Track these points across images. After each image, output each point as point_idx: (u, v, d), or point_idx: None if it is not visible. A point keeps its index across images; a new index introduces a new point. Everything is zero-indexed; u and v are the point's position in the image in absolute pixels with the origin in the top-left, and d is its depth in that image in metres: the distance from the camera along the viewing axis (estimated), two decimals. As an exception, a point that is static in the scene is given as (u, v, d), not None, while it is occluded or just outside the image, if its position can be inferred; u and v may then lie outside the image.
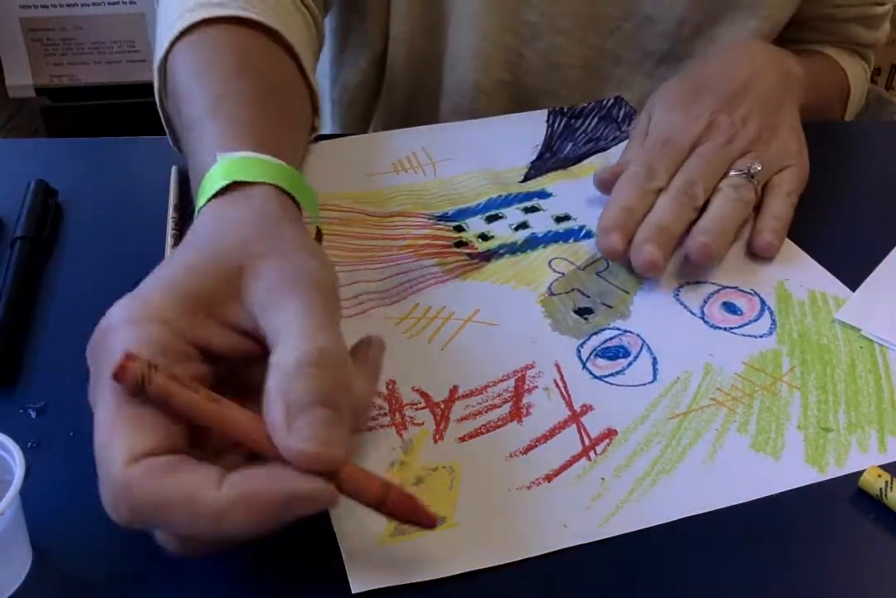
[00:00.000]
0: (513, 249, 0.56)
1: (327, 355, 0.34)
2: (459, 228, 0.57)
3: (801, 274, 0.54)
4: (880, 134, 0.73)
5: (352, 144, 0.66)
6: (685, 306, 0.52)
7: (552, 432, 0.44)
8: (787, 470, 0.42)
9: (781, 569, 0.39)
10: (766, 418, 0.45)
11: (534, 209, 0.59)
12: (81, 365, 0.47)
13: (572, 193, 0.61)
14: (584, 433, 0.44)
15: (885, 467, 0.42)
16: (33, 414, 0.44)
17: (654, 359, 0.48)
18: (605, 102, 0.71)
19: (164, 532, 0.34)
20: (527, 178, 0.62)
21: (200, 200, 0.43)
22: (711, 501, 0.41)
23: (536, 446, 0.43)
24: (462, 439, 0.43)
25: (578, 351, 0.49)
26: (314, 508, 0.33)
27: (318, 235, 0.49)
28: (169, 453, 0.33)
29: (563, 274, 0.54)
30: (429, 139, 0.66)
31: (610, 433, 0.44)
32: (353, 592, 0.36)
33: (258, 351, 0.37)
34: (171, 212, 0.56)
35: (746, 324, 0.51)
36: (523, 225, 0.58)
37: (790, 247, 0.56)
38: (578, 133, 0.67)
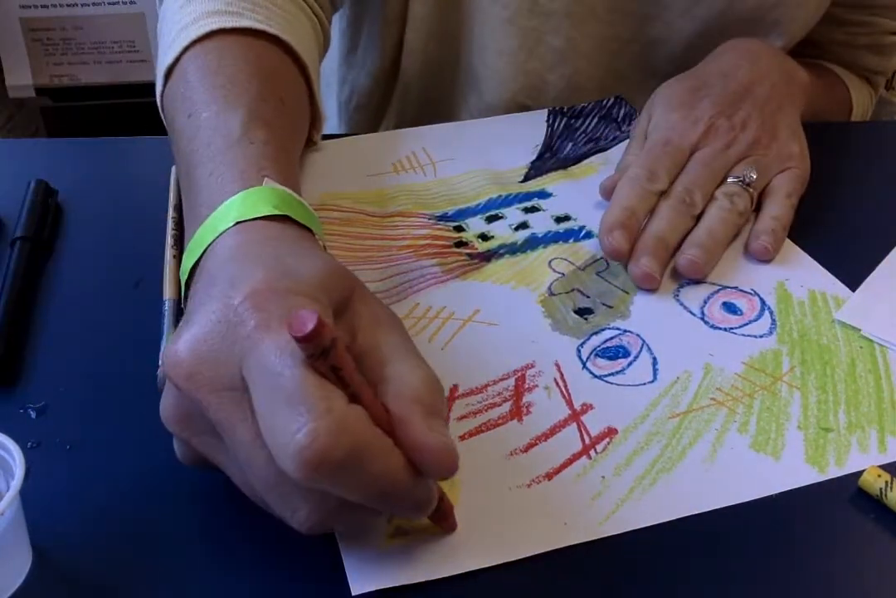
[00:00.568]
0: (513, 249, 0.56)
1: (438, 380, 0.37)
2: (459, 229, 0.57)
3: (801, 274, 0.54)
4: (880, 134, 0.73)
5: (352, 144, 0.66)
6: (685, 307, 0.52)
7: (552, 431, 0.44)
8: (787, 470, 0.42)
9: (781, 569, 0.38)
10: (766, 418, 0.45)
11: (534, 209, 0.59)
12: (82, 365, 0.48)
13: (572, 193, 0.61)
14: (584, 432, 0.44)
15: (885, 467, 0.42)
16: (33, 414, 0.44)
17: (654, 359, 0.48)
18: (605, 101, 0.71)
19: (320, 495, 0.34)
20: (527, 178, 0.62)
21: (248, 211, 0.42)
22: (711, 500, 0.41)
23: (537, 444, 0.43)
24: (462, 438, 0.43)
25: (578, 351, 0.49)
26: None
27: None
28: None
29: (563, 274, 0.54)
30: (429, 139, 0.66)
31: (610, 432, 0.44)
32: (352, 594, 0.36)
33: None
34: (171, 212, 0.56)
35: (746, 324, 0.51)
36: (523, 225, 0.58)
37: (790, 247, 0.56)
38: (578, 133, 0.67)
